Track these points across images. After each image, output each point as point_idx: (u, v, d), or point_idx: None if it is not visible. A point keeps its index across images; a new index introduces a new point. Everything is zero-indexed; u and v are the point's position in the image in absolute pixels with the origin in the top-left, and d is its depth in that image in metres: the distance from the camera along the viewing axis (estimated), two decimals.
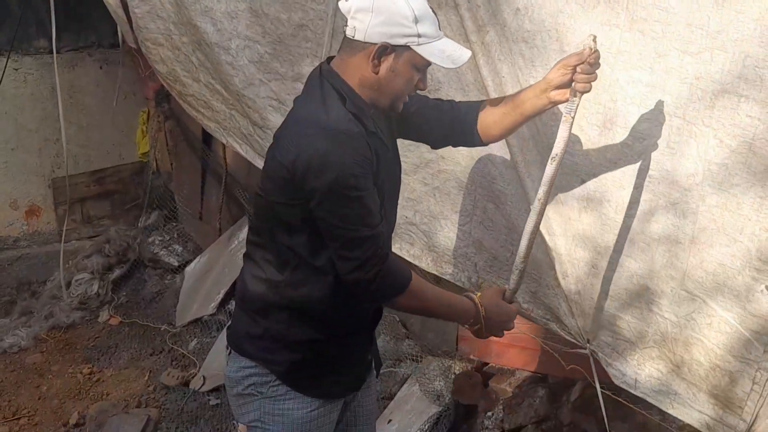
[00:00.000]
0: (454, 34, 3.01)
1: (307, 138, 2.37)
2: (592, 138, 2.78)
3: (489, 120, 2.71)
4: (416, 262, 3.54)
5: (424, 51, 2.38)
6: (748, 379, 2.60)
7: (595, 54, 2.42)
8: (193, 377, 5.18)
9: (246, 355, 2.69)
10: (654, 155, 2.62)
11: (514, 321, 2.80)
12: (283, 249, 2.55)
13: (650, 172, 2.64)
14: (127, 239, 6.52)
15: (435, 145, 2.94)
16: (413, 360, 4.61)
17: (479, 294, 2.74)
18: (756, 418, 2.62)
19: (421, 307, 2.67)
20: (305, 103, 2.50)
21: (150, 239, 6.57)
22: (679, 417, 2.87)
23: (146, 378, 5.29)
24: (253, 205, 2.67)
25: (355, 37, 2.37)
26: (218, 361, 5.14)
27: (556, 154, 2.53)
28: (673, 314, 2.73)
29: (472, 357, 4.58)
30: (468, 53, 2.47)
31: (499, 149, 3.06)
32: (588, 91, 2.47)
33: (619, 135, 2.70)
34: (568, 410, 4.09)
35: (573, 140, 2.73)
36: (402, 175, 2.83)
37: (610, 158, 2.75)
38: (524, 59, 2.86)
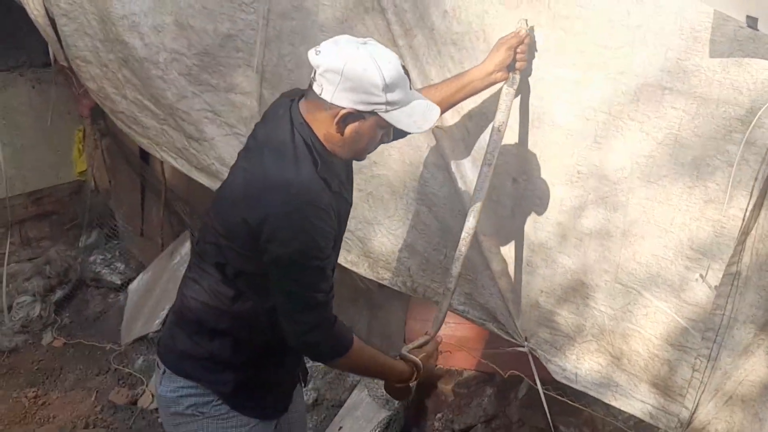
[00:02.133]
0: (381, 38, 3.02)
1: (278, 205, 2.31)
2: (521, 137, 2.80)
3: None
4: (353, 269, 3.55)
5: (391, 118, 2.31)
6: (687, 367, 2.64)
7: (530, 35, 2.61)
8: (141, 395, 5.12)
9: (184, 375, 2.64)
10: (582, 151, 2.65)
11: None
12: (234, 285, 2.53)
13: (579, 167, 2.67)
14: (68, 259, 6.42)
15: None
16: None
17: (420, 354, 2.73)
18: (698, 405, 2.65)
19: (357, 369, 2.77)
20: (277, 159, 2.38)
21: (91, 258, 6.46)
22: (622, 408, 2.90)
23: (93, 399, 5.21)
24: (203, 238, 2.61)
25: (322, 96, 2.29)
26: None
27: (502, 123, 2.67)
28: (609, 307, 2.76)
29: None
30: (435, 114, 2.40)
31: (431, 152, 3.07)
32: (525, 67, 2.66)
33: (547, 133, 2.72)
34: (516, 407, 4.11)
35: (504, 141, 2.75)
36: None
37: (539, 156, 2.78)
38: (453, 61, 2.87)
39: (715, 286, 2.49)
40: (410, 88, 2.36)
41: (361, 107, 2.28)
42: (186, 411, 2.65)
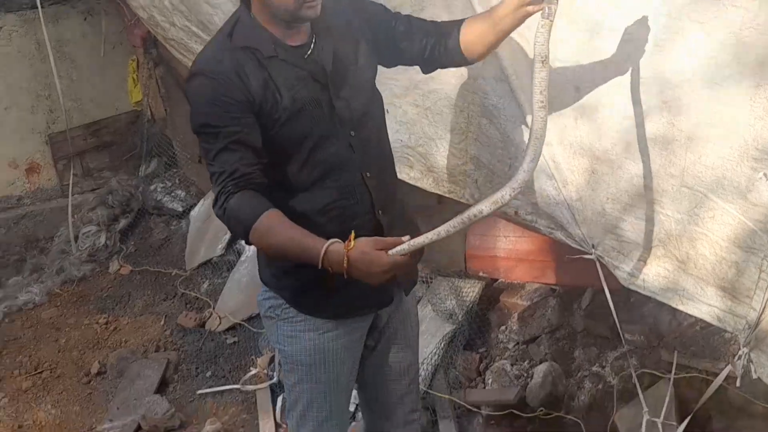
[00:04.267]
0: None
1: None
2: (581, 44, 2.76)
3: (471, 37, 2.64)
4: (418, 184, 3.53)
5: None
6: (754, 269, 2.61)
7: None
8: (208, 318, 5.23)
9: (264, 282, 2.80)
10: (643, 55, 2.61)
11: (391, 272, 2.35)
12: None
13: (641, 72, 2.63)
14: (130, 189, 6.53)
15: (425, 68, 2.83)
16: (423, 282, 4.63)
17: (353, 242, 2.31)
18: (766, 305, 2.64)
19: (269, 248, 2.47)
20: None
21: (152, 187, 6.56)
22: (689, 312, 2.89)
23: (162, 323, 5.33)
24: None
25: None
26: (232, 301, 5.19)
27: (545, 56, 2.40)
28: (676, 211, 2.74)
29: (481, 274, 4.61)
30: None
31: (489, 64, 3.04)
32: None
33: (607, 38, 2.68)
34: (580, 317, 4.13)
35: (564, 49, 2.72)
36: (393, 99, 2.81)
37: (601, 62, 2.74)
38: None
39: None
40: None
41: None
42: (267, 313, 2.82)
